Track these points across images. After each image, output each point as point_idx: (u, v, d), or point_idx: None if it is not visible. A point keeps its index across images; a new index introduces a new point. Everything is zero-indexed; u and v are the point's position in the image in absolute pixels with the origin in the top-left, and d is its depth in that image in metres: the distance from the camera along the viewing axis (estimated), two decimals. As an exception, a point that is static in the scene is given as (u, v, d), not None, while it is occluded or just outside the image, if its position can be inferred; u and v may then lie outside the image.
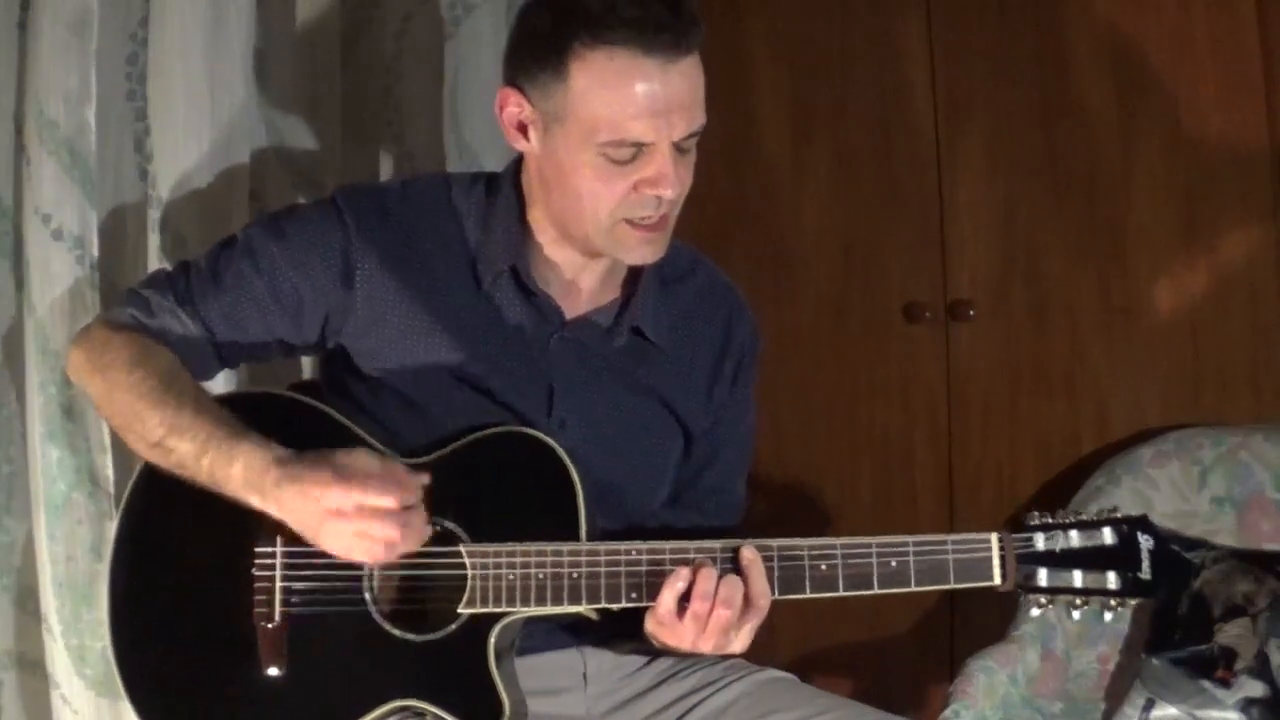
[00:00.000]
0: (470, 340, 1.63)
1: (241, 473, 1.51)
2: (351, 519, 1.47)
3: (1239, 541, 2.37)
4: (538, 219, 1.65)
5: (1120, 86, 2.60)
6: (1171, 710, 2.18)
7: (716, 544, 1.52)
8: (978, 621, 2.54)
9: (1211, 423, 2.52)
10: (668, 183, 1.54)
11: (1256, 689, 2.14)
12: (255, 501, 1.51)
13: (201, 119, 1.96)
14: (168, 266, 1.83)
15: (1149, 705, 2.20)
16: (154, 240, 1.96)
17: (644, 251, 1.60)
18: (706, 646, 1.51)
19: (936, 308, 2.76)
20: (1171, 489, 2.43)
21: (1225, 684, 2.15)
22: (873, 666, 2.70)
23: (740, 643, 1.51)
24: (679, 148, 1.54)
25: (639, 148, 1.53)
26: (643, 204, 1.56)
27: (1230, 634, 2.20)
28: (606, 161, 1.53)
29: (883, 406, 2.83)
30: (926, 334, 2.77)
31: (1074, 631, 2.38)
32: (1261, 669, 2.15)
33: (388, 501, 1.48)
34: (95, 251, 1.93)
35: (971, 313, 2.73)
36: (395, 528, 1.48)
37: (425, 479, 1.53)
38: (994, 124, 2.71)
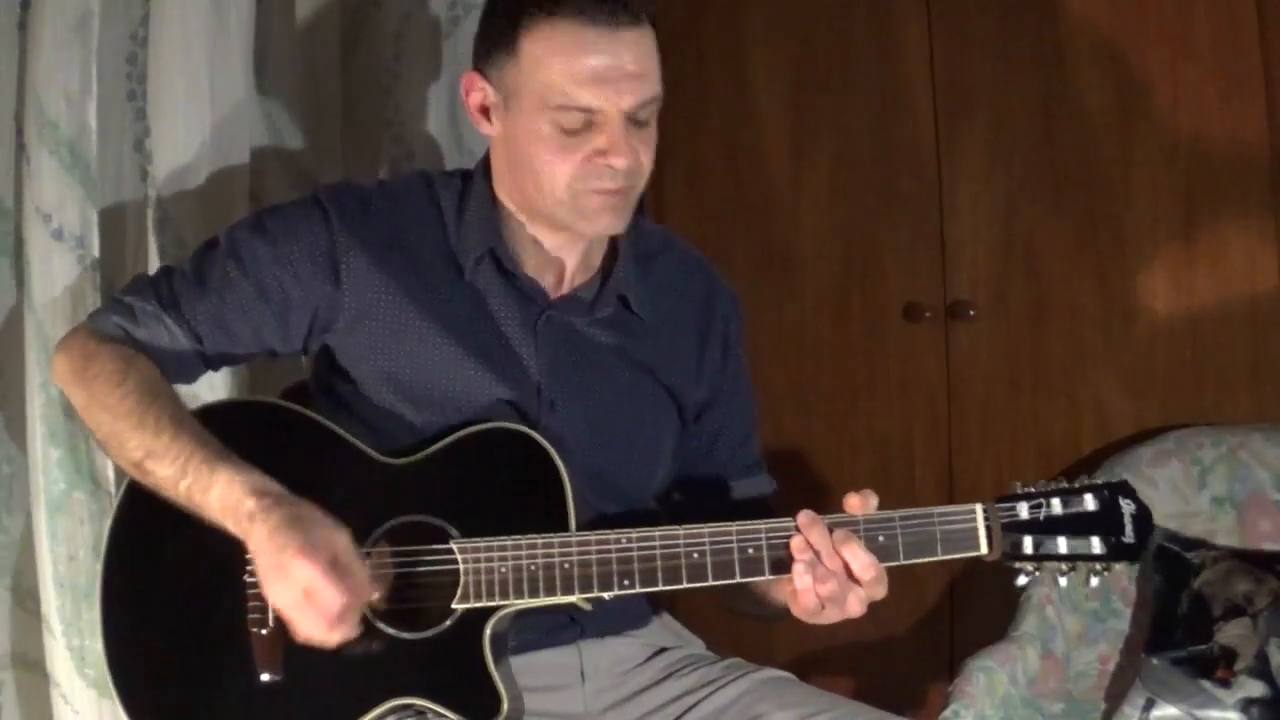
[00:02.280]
0: (457, 330, 1.64)
1: (218, 500, 1.50)
2: (300, 593, 1.46)
3: (1239, 541, 2.37)
4: (508, 202, 1.67)
5: (1120, 86, 2.61)
6: (1171, 710, 2.18)
7: (705, 529, 1.52)
8: (978, 621, 2.55)
9: (1211, 423, 2.52)
10: (619, 151, 1.56)
11: (1256, 689, 2.14)
12: (229, 527, 1.50)
13: (201, 119, 1.96)
14: (152, 272, 1.82)
15: (1149, 705, 2.20)
16: (154, 240, 1.96)
17: (605, 220, 1.61)
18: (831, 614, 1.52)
19: (936, 308, 2.76)
20: (1171, 489, 2.43)
21: (1225, 684, 2.15)
22: (873, 666, 2.70)
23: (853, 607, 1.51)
24: (634, 120, 1.57)
25: (589, 116, 1.55)
26: (598, 175, 1.57)
27: (1230, 634, 2.20)
28: (559, 132, 1.56)
29: (882, 406, 2.83)
30: (926, 334, 2.78)
31: (1074, 631, 2.38)
32: (1261, 669, 2.15)
33: (335, 599, 1.45)
34: (96, 251, 1.93)
35: (971, 313, 2.73)
36: (332, 620, 1.46)
37: (376, 594, 1.52)
38: (994, 123, 2.71)
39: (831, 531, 1.49)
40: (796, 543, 1.50)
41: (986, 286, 2.74)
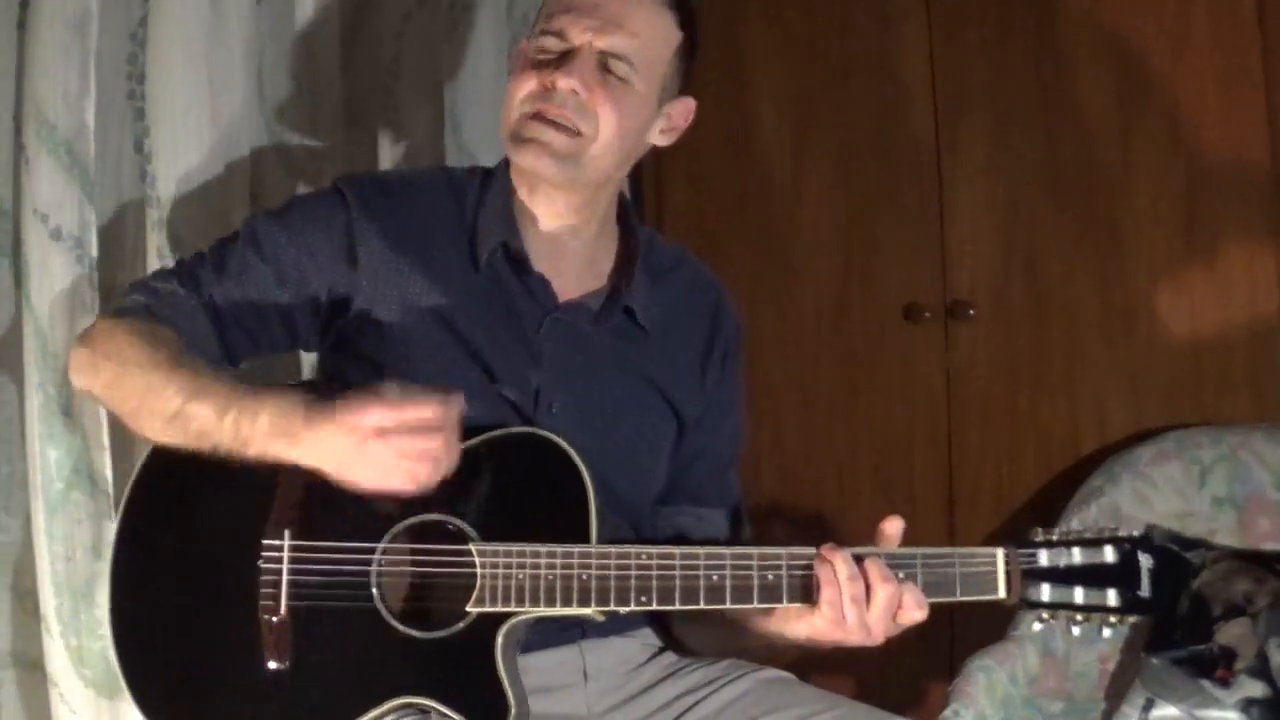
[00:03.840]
0: (466, 318, 1.65)
1: (269, 421, 1.49)
2: (393, 439, 1.45)
3: (1239, 541, 2.37)
4: (515, 174, 1.70)
5: (1120, 86, 2.60)
6: (1171, 710, 2.17)
7: (726, 551, 1.52)
8: (978, 621, 2.54)
9: (1211, 423, 2.52)
10: (567, 70, 1.61)
11: (1256, 689, 2.14)
12: (282, 447, 1.49)
13: (201, 119, 1.96)
14: (169, 265, 1.83)
15: (1149, 705, 2.20)
16: (153, 240, 1.96)
17: (537, 155, 1.63)
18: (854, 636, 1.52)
19: (936, 308, 2.76)
20: (1171, 489, 2.43)
21: (1225, 684, 2.15)
22: (873, 666, 2.69)
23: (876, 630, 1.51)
24: (605, 68, 1.63)
25: (561, 44, 1.62)
26: (545, 95, 1.62)
27: (1230, 634, 2.20)
28: (533, 54, 1.64)
29: (883, 406, 2.83)
30: (926, 334, 2.77)
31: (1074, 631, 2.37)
32: (1261, 669, 2.15)
33: (428, 413, 1.46)
34: (94, 251, 1.93)
35: (971, 313, 2.73)
36: (438, 438, 1.46)
37: (460, 400, 1.51)
38: (994, 124, 2.71)
39: (861, 561, 1.49)
40: (822, 567, 1.49)
41: (986, 286, 2.73)
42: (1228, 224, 2.55)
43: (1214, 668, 2.18)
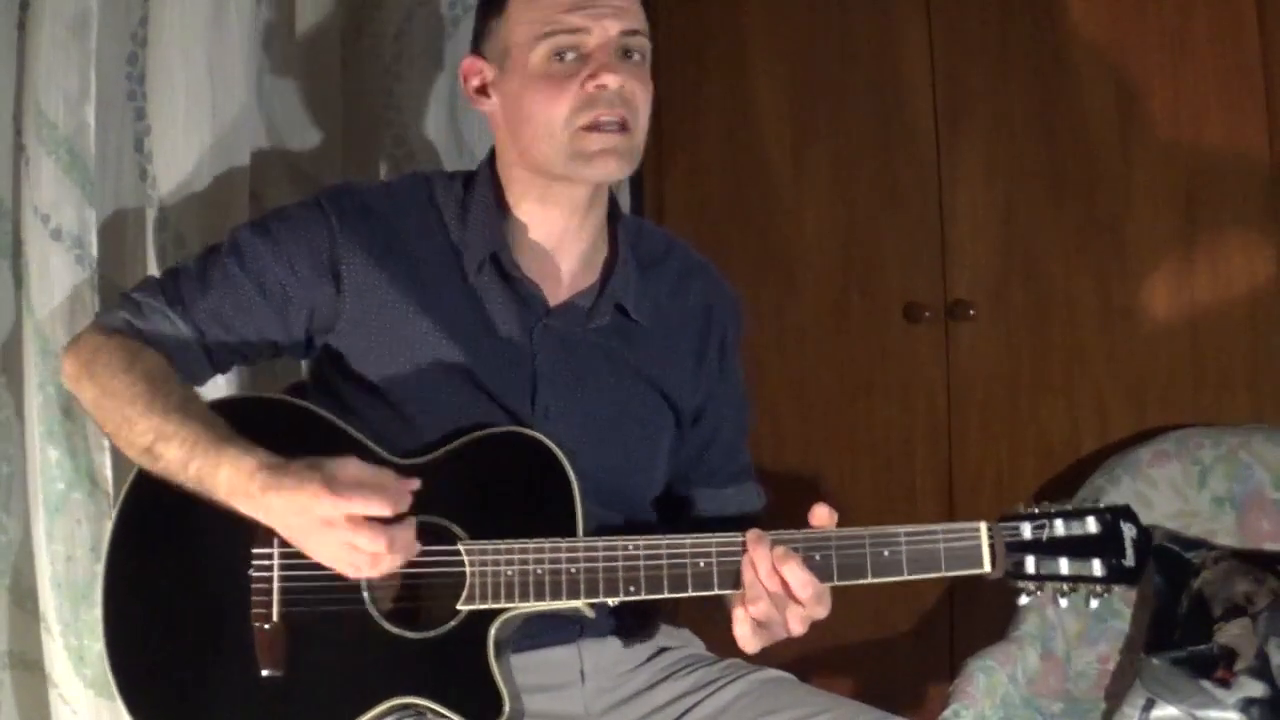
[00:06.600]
0: (456, 334, 1.64)
1: (227, 478, 1.50)
2: (340, 529, 1.46)
3: (1239, 541, 2.37)
4: (516, 186, 1.68)
5: (1120, 87, 2.61)
6: (1171, 710, 2.17)
7: (713, 538, 1.53)
8: (978, 621, 2.54)
9: (1211, 423, 2.52)
10: (610, 69, 1.58)
11: (1256, 689, 2.14)
12: (242, 507, 1.50)
13: (201, 119, 1.96)
14: (159, 272, 1.83)
15: (1149, 705, 2.20)
16: (154, 240, 1.96)
17: (608, 164, 1.61)
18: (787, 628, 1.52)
19: (936, 308, 2.76)
20: (1171, 489, 2.43)
21: (1225, 684, 2.15)
22: (873, 666, 2.70)
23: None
24: (625, 51, 1.60)
25: (578, 40, 1.58)
26: (592, 102, 1.58)
27: (1230, 634, 2.20)
28: (552, 63, 1.59)
29: (883, 406, 2.83)
30: (926, 334, 2.78)
31: (1074, 631, 2.38)
32: (1261, 669, 2.15)
33: (376, 509, 1.47)
34: (94, 251, 1.93)
35: (971, 313, 2.73)
36: (383, 540, 1.47)
37: (415, 484, 1.52)
38: (994, 124, 2.71)
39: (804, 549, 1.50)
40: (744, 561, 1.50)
41: (986, 286, 2.73)
42: (1227, 224, 2.55)
43: (1214, 668, 2.18)
